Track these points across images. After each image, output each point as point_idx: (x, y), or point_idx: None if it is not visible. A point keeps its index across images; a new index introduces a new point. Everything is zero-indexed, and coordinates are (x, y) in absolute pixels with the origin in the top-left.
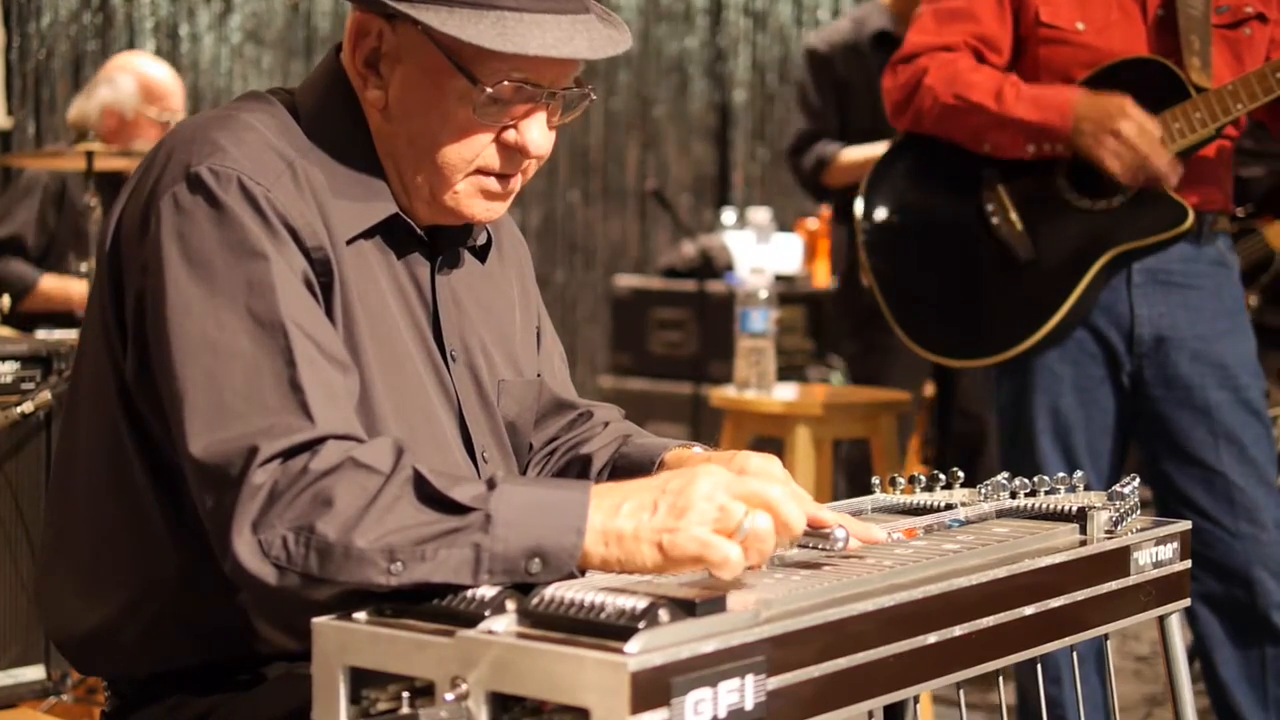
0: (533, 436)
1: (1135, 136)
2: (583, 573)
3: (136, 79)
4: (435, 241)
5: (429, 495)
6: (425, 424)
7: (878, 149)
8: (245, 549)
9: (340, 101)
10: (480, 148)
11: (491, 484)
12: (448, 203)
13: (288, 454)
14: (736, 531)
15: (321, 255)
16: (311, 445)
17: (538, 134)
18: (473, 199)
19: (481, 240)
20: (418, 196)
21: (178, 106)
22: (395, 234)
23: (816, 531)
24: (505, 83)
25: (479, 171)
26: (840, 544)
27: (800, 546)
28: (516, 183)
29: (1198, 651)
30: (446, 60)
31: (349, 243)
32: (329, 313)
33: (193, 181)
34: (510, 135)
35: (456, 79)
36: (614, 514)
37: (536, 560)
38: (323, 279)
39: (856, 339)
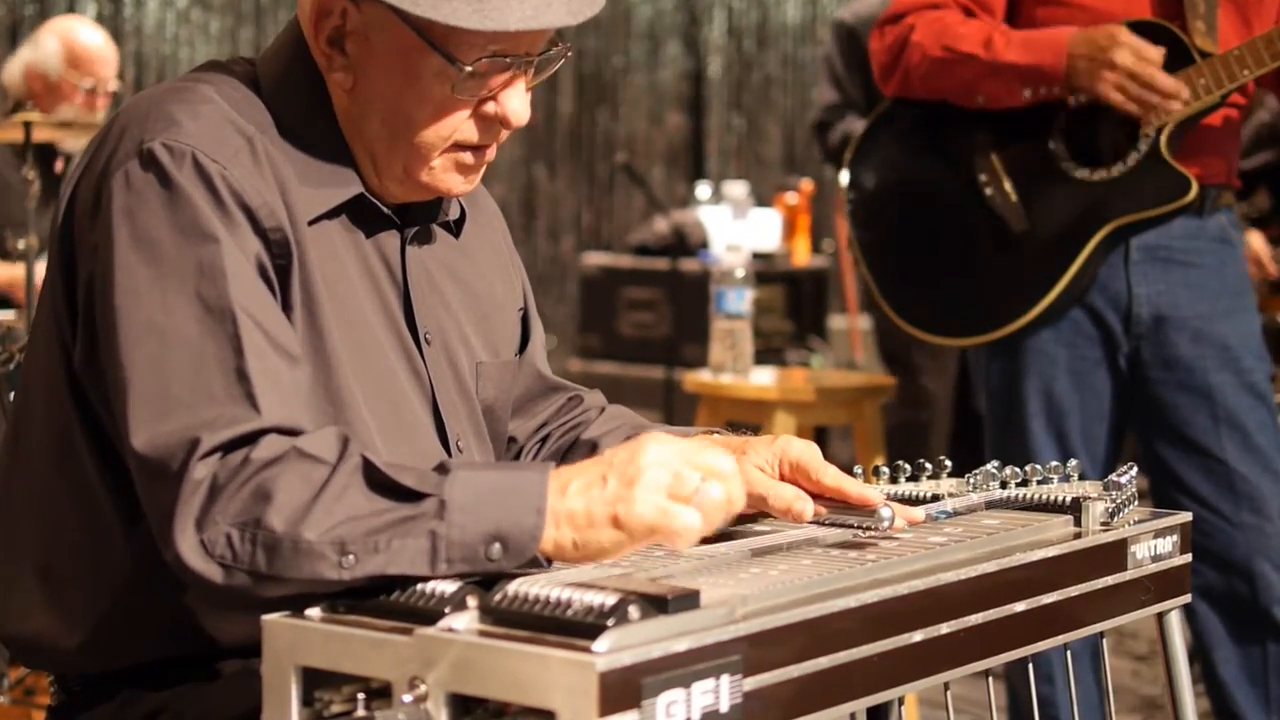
0: (519, 422)
1: (1133, 64)
2: (548, 562)
3: (61, 42)
4: (405, 219)
5: (379, 483)
6: (395, 412)
7: None
8: (189, 548)
9: (303, 75)
10: (458, 123)
11: (444, 469)
12: (423, 180)
13: (229, 446)
14: (692, 497)
15: (280, 236)
16: (254, 437)
17: (518, 104)
18: (449, 174)
19: (454, 214)
20: (390, 175)
21: (107, 74)
22: (362, 213)
23: (862, 510)
24: (484, 59)
25: (455, 146)
26: (886, 523)
27: (845, 526)
28: (492, 152)
29: (1196, 649)
30: (419, 39)
31: (312, 223)
32: (288, 296)
33: (145, 158)
34: (490, 107)
35: (431, 57)
36: (562, 494)
37: (496, 545)
38: (280, 261)
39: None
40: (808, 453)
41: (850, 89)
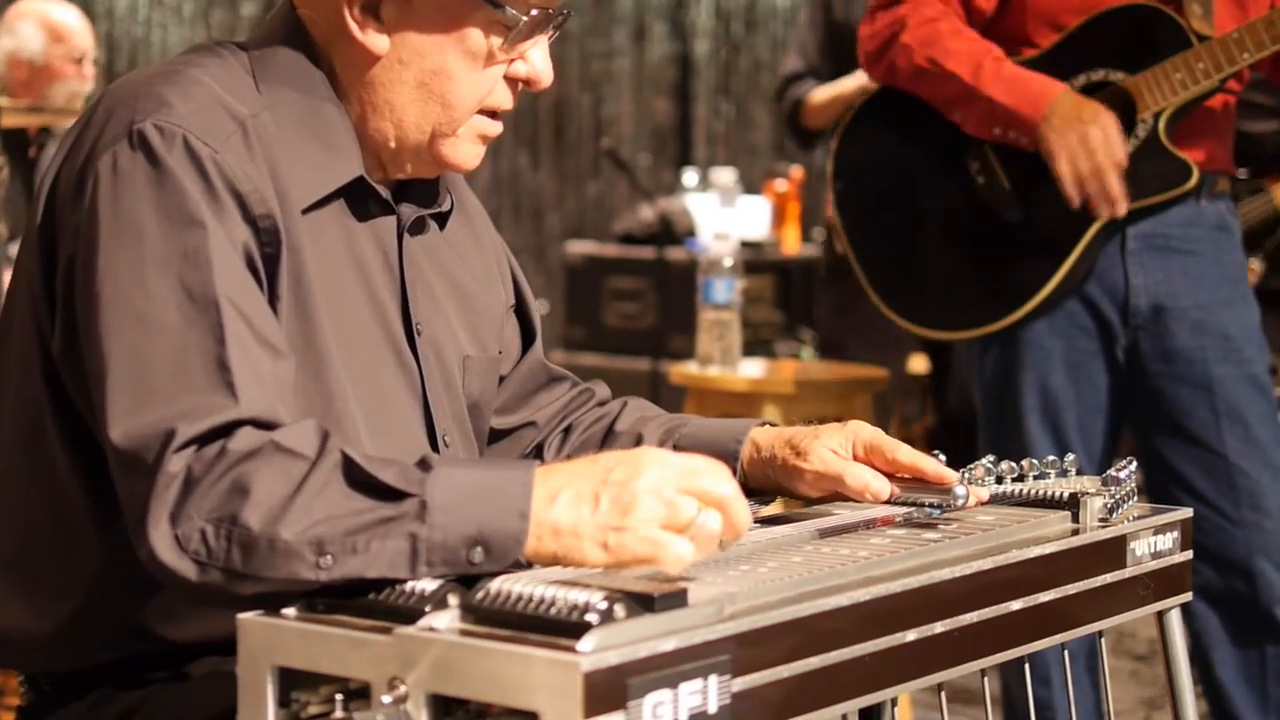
0: (528, 412)
1: (1099, 148)
2: (529, 564)
3: (39, 22)
4: (400, 207)
5: (359, 480)
6: (384, 406)
7: (845, 84)
8: (162, 543)
9: (299, 57)
10: (493, 84)
11: (426, 465)
12: (443, 151)
13: (205, 438)
14: (687, 528)
15: (270, 224)
16: (230, 428)
17: (543, 62)
18: (468, 145)
19: (447, 206)
20: (411, 146)
21: (87, 44)
22: (359, 199)
23: (937, 488)
24: (535, 11)
25: (482, 111)
26: (961, 501)
27: (919, 505)
28: (500, 126)
29: (1194, 649)
30: None
31: (306, 211)
32: (275, 285)
33: (135, 139)
34: (520, 68)
35: (480, 11)
36: (549, 503)
37: (479, 549)
38: (269, 249)
39: (826, 302)
40: (879, 435)
41: (814, 56)
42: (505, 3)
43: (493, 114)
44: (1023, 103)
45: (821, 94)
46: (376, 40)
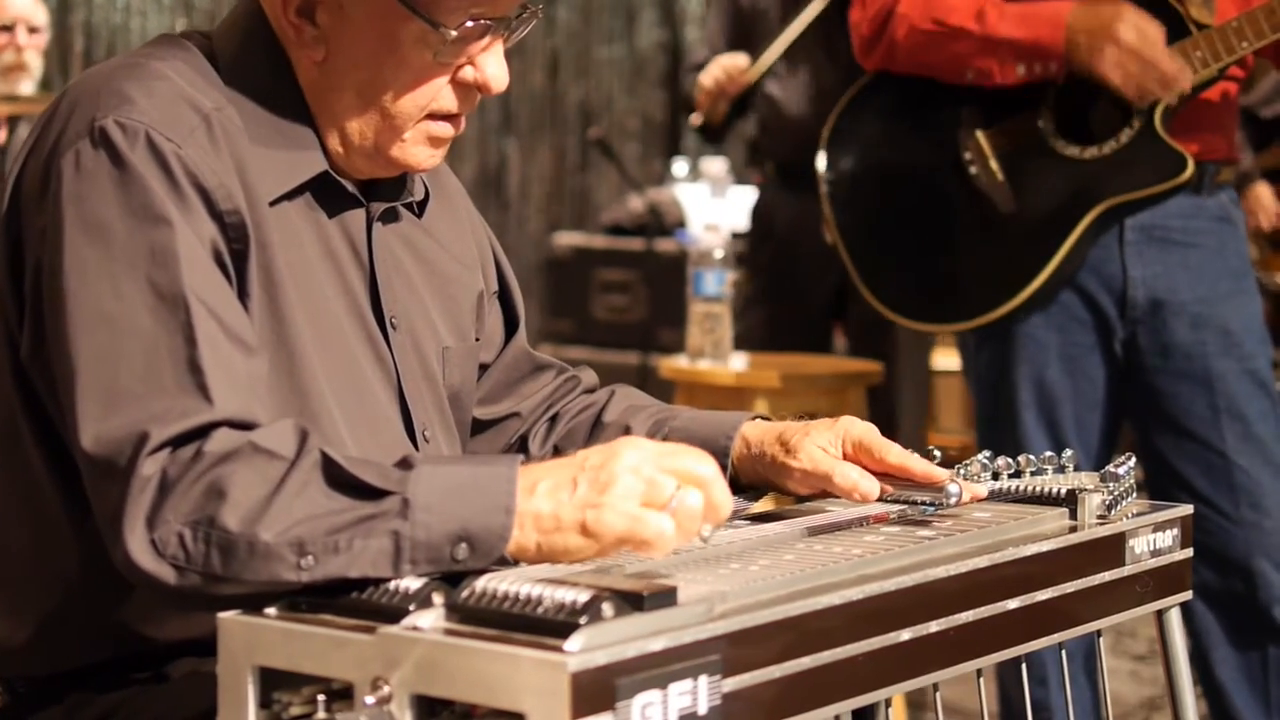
0: (512, 403)
1: (1136, 42)
2: (515, 561)
3: None
4: (370, 198)
5: (339, 479)
6: (360, 402)
7: (719, 64)
8: (139, 548)
9: (262, 49)
10: (436, 91)
11: (408, 464)
12: (393, 154)
13: (179, 440)
14: (666, 505)
15: (236, 219)
16: (205, 430)
17: (496, 68)
18: (419, 147)
19: (419, 195)
20: (359, 150)
21: (20, 10)
22: (325, 193)
23: (928, 487)
24: (469, 23)
25: (429, 116)
26: (953, 499)
27: (911, 504)
28: (462, 124)
29: (1193, 650)
30: (399, 4)
31: (273, 204)
32: (245, 282)
33: (97, 137)
34: (468, 73)
35: (411, 23)
36: (530, 494)
37: (463, 545)
38: (237, 245)
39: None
40: (869, 433)
41: (716, 48)
42: (436, 17)
43: (445, 117)
44: (1041, 32)
45: (703, 79)
46: (313, 48)
